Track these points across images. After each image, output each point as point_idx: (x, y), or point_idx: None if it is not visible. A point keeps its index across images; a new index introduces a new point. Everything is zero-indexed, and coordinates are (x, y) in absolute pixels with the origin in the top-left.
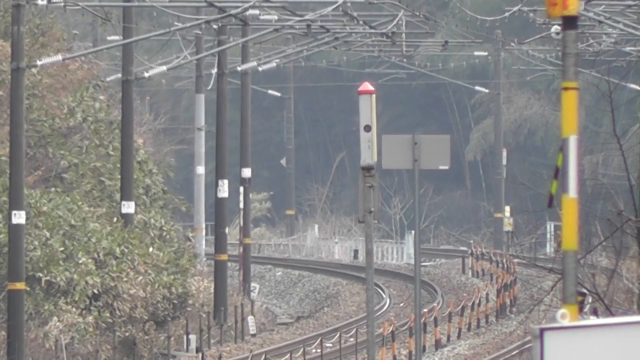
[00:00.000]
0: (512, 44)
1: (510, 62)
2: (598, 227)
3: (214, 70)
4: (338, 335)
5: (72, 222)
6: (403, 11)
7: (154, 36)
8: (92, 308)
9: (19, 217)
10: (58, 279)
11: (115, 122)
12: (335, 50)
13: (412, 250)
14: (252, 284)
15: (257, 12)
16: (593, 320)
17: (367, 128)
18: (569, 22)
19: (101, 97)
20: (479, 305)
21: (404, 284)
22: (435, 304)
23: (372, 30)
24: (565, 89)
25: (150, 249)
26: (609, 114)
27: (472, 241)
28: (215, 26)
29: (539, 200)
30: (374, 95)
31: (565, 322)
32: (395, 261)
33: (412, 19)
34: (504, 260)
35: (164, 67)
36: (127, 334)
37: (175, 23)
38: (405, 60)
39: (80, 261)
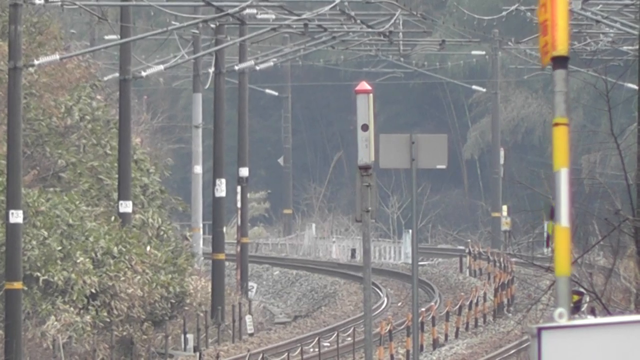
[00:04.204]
0: (510, 43)
1: (508, 61)
2: (595, 227)
3: (212, 70)
4: (336, 334)
5: (70, 221)
6: (400, 10)
7: (152, 35)
8: (89, 307)
9: (16, 217)
10: (56, 278)
11: (112, 121)
12: (333, 50)
13: (409, 249)
14: (250, 283)
15: (254, 11)
16: (590, 319)
17: (365, 127)
18: (560, 61)
19: (98, 97)
20: (476, 304)
21: (401, 283)
22: (432, 303)
23: (370, 30)
24: (556, 124)
25: (148, 248)
26: (606, 113)
27: (469, 240)
28: (212, 25)
29: (537, 199)
30: (371, 95)
31: (563, 322)
32: (392, 260)
33: (409, 18)
34: (502, 260)
35: (162, 66)
36: (124, 333)
37: (173, 22)
38: (402, 59)
39: (77, 260)
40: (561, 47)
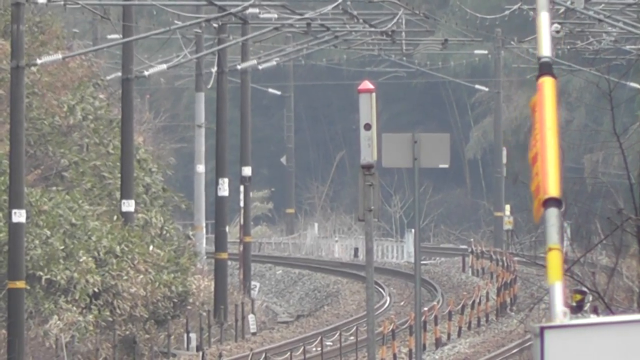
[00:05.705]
0: (512, 42)
1: (510, 60)
2: (598, 226)
3: (214, 69)
4: (338, 333)
5: (73, 220)
6: (403, 9)
7: (154, 35)
8: (92, 307)
9: (19, 216)
10: (58, 277)
11: (115, 120)
12: (335, 49)
13: (412, 248)
14: (253, 283)
15: (257, 10)
16: (593, 318)
17: (367, 126)
18: (552, 202)
19: (101, 96)
20: (479, 303)
21: (404, 282)
22: (435, 303)
23: (372, 29)
24: (550, 249)
25: (151, 248)
26: (609, 113)
27: (472, 239)
28: (215, 25)
29: None
30: (373, 94)
31: (566, 321)
32: (395, 259)
33: (412, 18)
34: (504, 259)
35: (164, 66)
36: (127, 332)
37: (175, 21)
38: (405, 58)
39: (80, 260)
40: (552, 190)
